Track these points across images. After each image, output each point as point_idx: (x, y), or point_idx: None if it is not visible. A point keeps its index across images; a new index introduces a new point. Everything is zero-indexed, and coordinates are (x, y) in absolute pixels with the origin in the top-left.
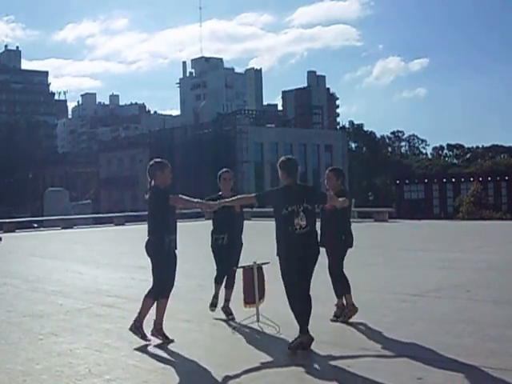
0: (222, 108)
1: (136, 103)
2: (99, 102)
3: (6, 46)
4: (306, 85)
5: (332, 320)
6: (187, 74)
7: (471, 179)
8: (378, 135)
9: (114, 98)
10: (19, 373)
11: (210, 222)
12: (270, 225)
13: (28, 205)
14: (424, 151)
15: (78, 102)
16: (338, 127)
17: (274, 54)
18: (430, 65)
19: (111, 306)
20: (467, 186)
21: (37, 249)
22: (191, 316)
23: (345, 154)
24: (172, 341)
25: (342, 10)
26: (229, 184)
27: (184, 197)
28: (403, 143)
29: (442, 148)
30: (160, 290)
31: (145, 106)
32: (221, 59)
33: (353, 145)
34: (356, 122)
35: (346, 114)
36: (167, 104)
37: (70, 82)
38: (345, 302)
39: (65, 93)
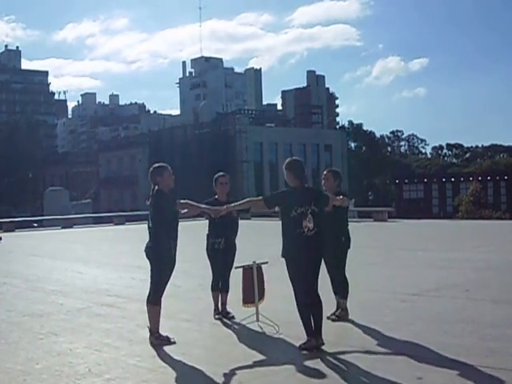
0: (221, 108)
1: (136, 103)
2: (99, 102)
3: (6, 45)
4: (305, 84)
5: (332, 320)
6: (187, 74)
7: (470, 179)
8: (378, 135)
9: (113, 97)
10: (19, 372)
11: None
12: (270, 225)
13: (28, 204)
14: (423, 151)
15: (78, 101)
16: (337, 127)
17: (273, 53)
18: (430, 65)
19: (111, 306)
20: (466, 186)
21: (37, 248)
22: (191, 316)
23: (344, 153)
24: (174, 342)
25: (341, 9)
26: (225, 188)
27: (191, 202)
28: (403, 143)
29: (441, 147)
30: (158, 294)
31: (145, 106)
32: (220, 59)
33: (352, 144)
34: (355, 122)
35: (346, 113)
36: (167, 104)
37: (69, 81)
38: (339, 305)
39: (65, 93)
